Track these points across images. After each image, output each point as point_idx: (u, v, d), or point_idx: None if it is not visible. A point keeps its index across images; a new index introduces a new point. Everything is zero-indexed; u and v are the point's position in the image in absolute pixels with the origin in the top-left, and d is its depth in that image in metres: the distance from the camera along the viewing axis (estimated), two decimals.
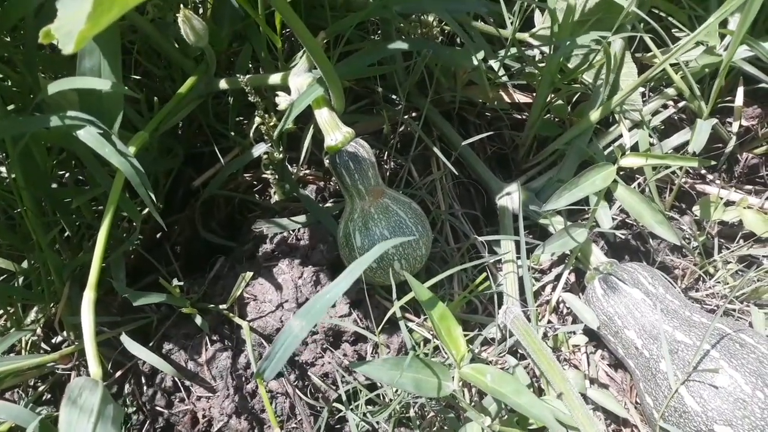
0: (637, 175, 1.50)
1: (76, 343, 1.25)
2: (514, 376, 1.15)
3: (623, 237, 1.46)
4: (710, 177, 1.55)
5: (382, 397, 1.16)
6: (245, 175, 1.50)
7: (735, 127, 1.45)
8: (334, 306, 1.27)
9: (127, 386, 1.27)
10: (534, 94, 1.55)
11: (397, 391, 1.12)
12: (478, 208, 1.54)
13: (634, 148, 1.42)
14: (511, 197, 1.43)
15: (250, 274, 1.28)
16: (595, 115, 1.39)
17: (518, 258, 1.30)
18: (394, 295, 1.06)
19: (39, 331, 1.34)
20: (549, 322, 1.35)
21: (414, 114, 1.58)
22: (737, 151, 1.53)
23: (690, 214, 1.49)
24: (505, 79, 1.51)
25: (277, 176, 1.34)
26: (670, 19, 1.43)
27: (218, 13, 1.33)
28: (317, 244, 1.33)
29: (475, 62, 1.28)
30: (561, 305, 1.38)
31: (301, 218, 1.36)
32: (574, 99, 1.58)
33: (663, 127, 1.52)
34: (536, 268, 1.43)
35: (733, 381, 1.03)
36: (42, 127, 1.00)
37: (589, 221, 1.24)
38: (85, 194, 1.22)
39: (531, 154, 1.58)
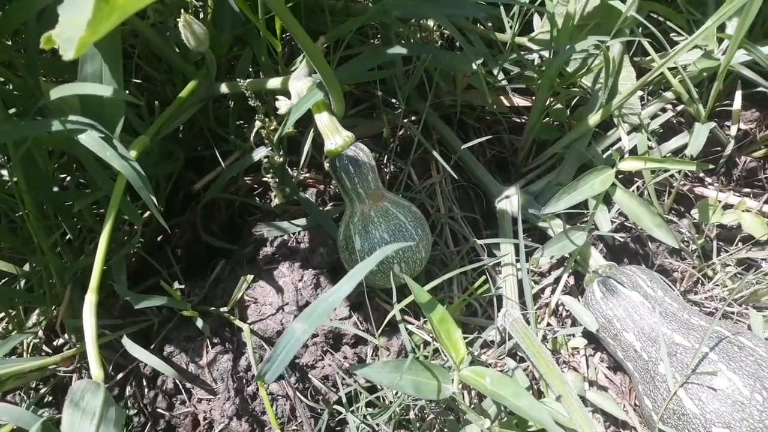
0: (635, 179, 1.51)
1: (78, 346, 1.26)
2: (514, 378, 1.15)
3: (622, 240, 1.47)
4: (709, 180, 1.55)
5: (382, 400, 1.17)
6: (246, 178, 1.51)
7: (733, 131, 1.46)
8: (334, 309, 1.27)
9: (128, 388, 1.27)
10: (533, 98, 1.56)
11: (397, 393, 1.13)
12: (478, 212, 1.55)
13: (633, 152, 1.43)
14: (510, 200, 1.44)
15: (250, 277, 1.29)
16: (594, 118, 1.39)
17: (517, 261, 1.31)
18: (395, 298, 1.07)
19: (40, 333, 1.34)
20: (548, 324, 1.36)
21: (413, 118, 1.58)
22: (735, 155, 1.54)
23: (689, 217, 1.50)
24: (504, 83, 1.51)
25: (277, 180, 1.35)
26: (668, 23, 1.44)
27: (219, 18, 1.34)
28: (317, 247, 1.34)
29: (475, 67, 1.28)
30: (560, 308, 1.39)
31: (302, 221, 1.37)
32: (572, 103, 1.59)
33: (661, 130, 1.52)
34: (535, 271, 1.44)
35: (731, 383, 1.03)
36: (44, 131, 1.01)
37: (588, 224, 1.24)
38: (86, 198, 1.22)
39: (530, 157, 1.59)
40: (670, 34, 1.45)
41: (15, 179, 1.12)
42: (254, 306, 1.28)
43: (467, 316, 1.36)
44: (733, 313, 1.35)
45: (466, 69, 1.41)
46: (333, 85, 1.10)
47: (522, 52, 1.48)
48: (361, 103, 1.59)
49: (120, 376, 1.28)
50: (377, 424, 1.14)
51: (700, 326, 1.13)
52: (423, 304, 0.98)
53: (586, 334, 1.29)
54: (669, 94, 1.47)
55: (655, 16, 1.48)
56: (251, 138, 1.34)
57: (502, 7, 1.38)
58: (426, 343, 1.26)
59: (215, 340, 1.26)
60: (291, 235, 1.36)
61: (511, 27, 1.40)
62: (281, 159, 1.31)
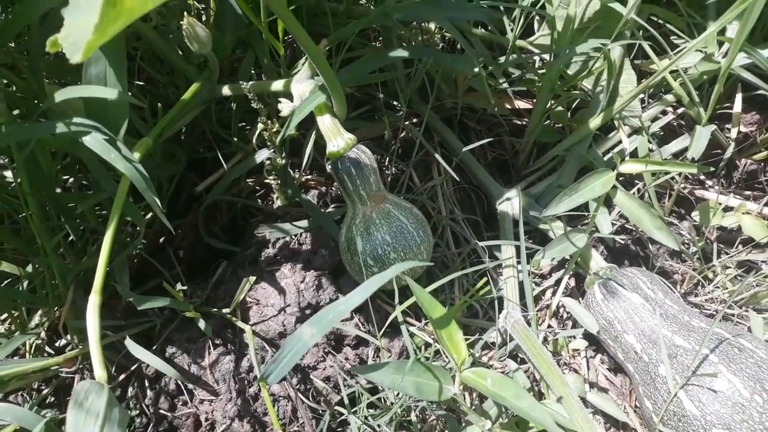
0: (636, 181, 1.52)
1: (80, 347, 1.26)
2: (515, 380, 1.16)
3: (623, 242, 1.47)
4: (709, 183, 1.56)
5: (383, 401, 1.17)
6: (248, 180, 1.52)
7: (734, 134, 1.47)
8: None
9: (130, 389, 1.28)
10: (534, 101, 1.57)
11: (398, 394, 1.13)
12: (479, 214, 1.55)
13: (634, 154, 1.44)
14: (511, 203, 1.44)
15: (253, 278, 1.29)
16: (595, 121, 1.40)
17: (518, 263, 1.31)
18: (396, 300, 1.07)
19: (43, 334, 1.35)
20: (549, 326, 1.36)
21: (415, 120, 1.59)
22: (736, 157, 1.54)
23: (689, 219, 1.50)
24: (505, 85, 1.52)
25: (279, 182, 1.35)
26: (668, 26, 1.45)
27: (221, 20, 1.35)
28: (319, 249, 1.35)
29: (477, 69, 1.29)
30: (561, 310, 1.39)
31: (303, 223, 1.37)
32: (573, 105, 1.59)
33: (662, 133, 1.53)
34: (536, 273, 1.44)
35: (731, 385, 1.03)
36: (48, 133, 1.01)
37: (589, 226, 1.25)
38: (89, 199, 1.23)
39: (531, 159, 1.59)
40: (671, 37, 1.46)
41: (18, 181, 1.13)
42: (256, 307, 1.28)
43: (468, 317, 1.36)
44: (733, 315, 1.35)
45: (468, 71, 1.41)
46: (335, 88, 1.11)
47: (523, 55, 1.48)
48: (363, 106, 1.60)
49: (122, 377, 1.29)
50: (378, 425, 1.14)
51: (701, 328, 1.14)
52: (425, 306, 0.99)
53: (587, 335, 1.29)
54: (669, 97, 1.47)
55: (656, 19, 1.49)
56: (253, 140, 1.35)
57: (503, 10, 1.39)
58: (427, 345, 1.27)
59: (217, 342, 1.27)
60: (293, 236, 1.37)
61: (512, 30, 1.41)
62: (283, 161, 1.32)
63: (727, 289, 1.37)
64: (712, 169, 1.16)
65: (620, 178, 1.17)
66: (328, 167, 1.22)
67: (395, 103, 1.56)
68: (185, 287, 1.20)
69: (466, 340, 1.02)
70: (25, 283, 1.31)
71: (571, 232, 1.26)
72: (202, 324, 1.23)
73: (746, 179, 1.55)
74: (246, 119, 1.51)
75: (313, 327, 0.86)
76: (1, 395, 1.28)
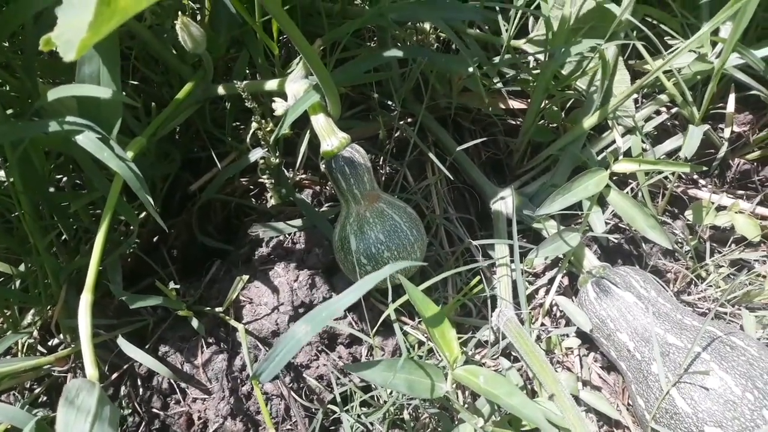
0: (629, 180, 1.52)
1: (73, 346, 1.26)
2: (507, 378, 1.16)
3: (616, 241, 1.48)
4: (702, 182, 1.56)
5: (376, 399, 1.17)
6: (242, 179, 1.51)
7: (727, 133, 1.47)
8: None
9: (123, 388, 1.27)
10: (528, 101, 1.57)
11: (391, 392, 1.13)
12: (473, 213, 1.56)
13: (627, 154, 1.44)
14: (505, 202, 1.45)
15: (246, 277, 1.30)
16: (589, 121, 1.40)
17: (512, 262, 1.32)
18: (390, 298, 1.07)
19: (35, 333, 1.34)
20: (542, 324, 1.36)
21: (409, 120, 1.59)
22: (729, 157, 1.55)
23: (682, 218, 1.51)
24: (499, 85, 1.52)
25: (273, 181, 1.36)
26: (662, 26, 1.45)
27: (215, 20, 1.35)
28: (313, 248, 1.35)
29: (471, 69, 1.29)
30: (554, 308, 1.39)
31: (297, 222, 1.37)
32: (567, 105, 1.59)
33: (655, 133, 1.53)
34: (530, 272, 1.44)
35: (723, 383, 1.04)
36: (41, 131, 1.01)
37: (582, 225, 1.25)
38: (82, 198, 1.23)
39: (525, 159, 1.59)
40: (665, 38, 1.46)
41: (11, 180, 1.12)
42: (249, 306, 1.28)
43: (462, 316, 1.36)
44: (725, 313, 1.35)
45: (462, 71, 1.41)
46: (329, 87, 1.11)
47: (517, 55, 1.49)
48: (357, 105, 1.60)
49: (115, 375, 1.28)
50: (371, 424, 1.15)
51: (693, 326, 1.14)
52: (417, 304, 0.99)
53: (580, 334, 1.30)
54: (663, 97, 1.48)
55: (650, 19, 1.49)
56: (247, 139, 1.35)
57: (498, 10, 1.39)
58: (420, 343, 1.27)
59: (210, 340, 1.27)
60: (287, 235, 1.37)
61: (506, 30, 1.41)
62: (277, 160, 1.32)
63: (719, 287, 1.38)
64: (705, 168, 1.16)
65: (614, 178, 1.17)
66: (322, 166, 1.23)
67: (390, 102, 1.56)
68: (178, 286, 1.20)
69: (460, 338, 1.02)
70: (18, 282, 1.31)
71: (565, 231, 1.26)
72: (195, 323, 1.23)
73: (739, 179, 1.55)
74: (240, 119, 1.51)
75: (307, 324, 0.86)
76: None
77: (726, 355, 1.07)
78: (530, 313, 1.31)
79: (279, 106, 1.23)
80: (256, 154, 1.34)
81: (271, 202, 1.43)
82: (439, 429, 1.14)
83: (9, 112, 1.18)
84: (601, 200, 1.21)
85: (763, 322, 1.28)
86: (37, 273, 1.25)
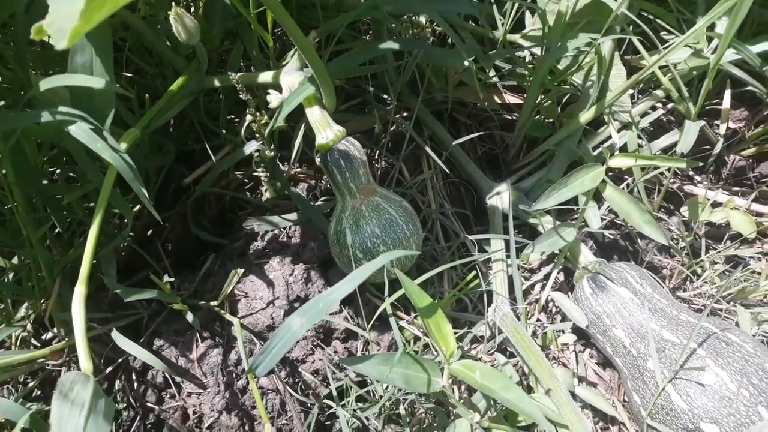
0: (625, 176, 1.52)
1: (66, 339, 1.25)
2: (503, 372, 1.16)
3: (612, 237, 1.48)
4: (698, 178, 1.56)
5: (372, 394, 1.17)
6: (236, 172, 1.51)
7: (722, 129, 1.47)
8: None
9: (117, 382, 1.27)
10: (524, 95, 1.57)
11: (387, 387, 1.13)
12: (469, 208, 1.55)
13: (623, 149, 1.44)
14: (500, 197, 1.44)
15: (241, 270, 1.29)
16: (585, 116, 1.40)
17: (508, 257, 1.31)
18: (386, 293, 1.07)
19: (29, 327, 1.33)
20: (538, 320, 1.36)
21: (405, 114, 1.59)
22: (724, 153, 1.55)
23: (678, 214, 1.51)
24: (495, 80, 1.52)
25: (268, 174, 1.35)
26: (658, 21, 1.45)
27: (210, 11, 1.34)
28: (308, 242, 1.34)
29: (466, 63, 1.28)
30: (550, 304, 1.39)
31: (292, 216, 1.36)
32: (563, 100, 1.59)
33: (651, 128, 1.53)
34: (525, 267, 1.44)
35: (719, 379, 1.04)
36: (34, 122, 1.00)
37: (578, 221, 1.25)
38: (76, 191, 1.22)
39: (521, 154, 1.59)
40: (661, 33, 1.46)
41: (4, 171, 1.11)
42: (244, 300, 1.27)
43: (457, 311, 1.36)
44: (721, 310, 1.36)
45: (458, 65, 1.41)
46: (324, 79, 1.10)
47: (513, 50, 1.48)
48: (353, 99, 1.59)
49: (109, 369, 1.28)
50: (367, 418, 1.14)
51: (689, 322, 1.14)
52: (413, 297, 0.98)
53: (576, 330, 1.30)
54: (659, 92, 1.48)
55: (645, 14, 1.49)
56: (242, 132, 1.34)
57: (494, 4, 1.39)
58: (416, 339, 1.26)
59: (205, 334, 1.26)
60: (282, 229, 1.36)
61: (502, 24, 1.40)
62: (272, 153, 1.31)
63: (715, 284, 1.38)
64: (701, 164, 1.16)
65: (609, 173, 1.17)
66: (318, 159, 1.22)
67: (385, 96, 1.55)
68: (173, 279, 1.20)
69: (455, 333, 1.01)
70: (11, 275, 1.30)
71: (561, 227, 1.26)
72: (189, 317, 1.23)
73: (735, 175, 1.56)
74: (234, 111, 1.50)
75: (303, 317, 0.86)
76: None
77: (722, 351, 1.07)
78: (526, 308, 1.31)
79: (274, 98, 1.22)
80: (251, 147, 1.33)
81: (266, 195, 1.42)
82: (435, 424, 1.14)
83: (1, 103, 1.17)
84: (596, 196, 1.21)
85: (759, 319, 1.29)
86: (30, 266, 1.24)
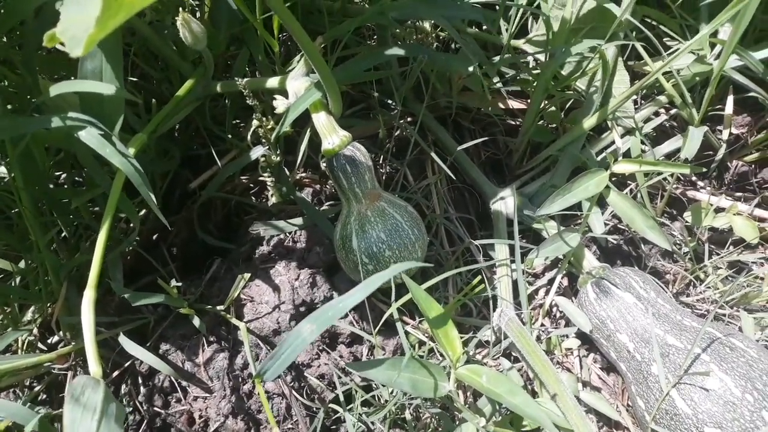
0: (628, 181, 1.53)
1: (73, 343, 1.25)
2: (509, 377, 1.16)
3: (615, 242, 1.48)
4: (701, 184, 1.57)
5: (377, 399, 1.17)
6: (242, 177, 1.51)
7: (725, 135, 1.48)
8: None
9: (123, 387, 1.27)
10: (528, 101, 1.57)
11: (392, 392, 1.13)
12: (473, 212, 1.56)
13: (626, 155, 1.45)
14: (505, 202, 1.45)
15: (247, 275, 1.29)
16: (589, 122, 1.40)
17: (512, 262, 1.32)
18: (393, 298, 1.07)
19: (35, 331, 1.34)
20: (542, 325, 1.37)
21: (409, 119, 1.59)
22: (727, 159, 1.55)
23: (681, 220, 1.51)
24: (499, 85, 1.53)
25: (274, 179, 1.35)
26: (661, 27, 1.46)
27: (216, 17, 1.34)
28: (313, 247, 1.35)
29: (471, 69, 1.29)
30: (554, 309, 1.40)
31: (298, 221, 1.37)
32: (567, 106, 1.60)
33: (654, 134, 1.54)
34: (529, 273, 1.45)
35: (723, 384, 1.04)
36: (43, 127, 1.01)
37: (582, 226, 1.25)
38: (83, 195, 1.22)
39: (524, 159, 1.60)
40: (664, 39, 1.47)
41: (12, 176, 1.12)
42: (250, 304, 1.28)
43: (462, 316, 1.37)
44: (724, 315, 1.36)
45: (463, 70, 1.41)
46: (331, 85, 1.11)
47: (517, 55, 1.49)
48: (358, 104, 1.60)
49: (116, 374, 1.28)
50: (372, 423, 1.15)
51: (693, 327, 1.15)
52: (421, 303, 0.99)
53: (580, 335, 1.30)
54: (662, 98, 1.48)
55: (649, 20, 1.50)
56: (248, 137, 1.34)
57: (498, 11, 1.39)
58: (421, 343, 1.27)
59: (211, 339, 1.26)
60: (287, 234, 1.37)
61: (506, 30, 1.41)
62: (278, 158, 1.32)
63: (718, 289, 1.39)
64: (704, 169, 1.17)
65: (613, 179, 1.18)
66: (323, 165, 1.22)
67: (390, 101, 1.56)
68: (180, 284, 1.20)
69: (460, 338, 1.02)
70: (18, 279, 1.30)
71: (565, 232, 1.27)
72: (196, 321, 1.23)
73: (737, 181, 1.56)
74: (240, 116, 1.51)
75: (312, 323, 0.86)
76: None
77: (726, 356, 1.08)
78: (530, 313, 1.32)
79: (280, 103, 1.23)
80: (257, 152, 1.33)
81: (272, 200, 1.42)
82: (440, 429, 1.15)
83: (8, 107, 1.18)
84: (600, 201, 1.21)
85: (762, 324, 1.29)
86: (37, 270, 1.24)
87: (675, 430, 1.07)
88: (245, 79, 1.24)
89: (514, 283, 1.30)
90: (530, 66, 1.54)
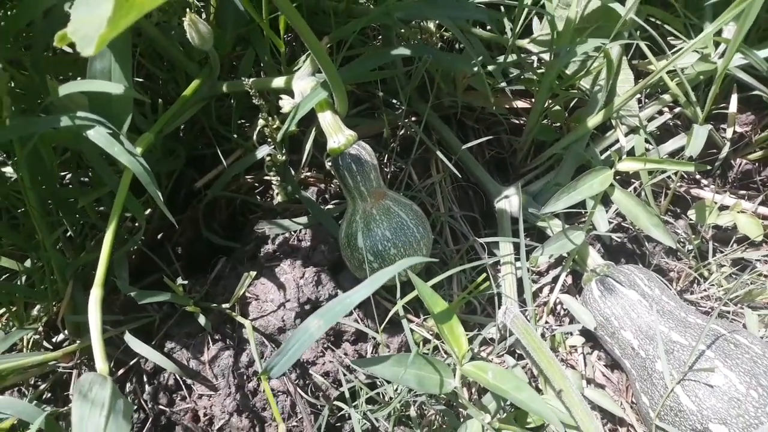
0: (632, 180, 1.53)
1: (78, 342, 1.26)
2: (515, 373, 1.16)
3: (620, 240, 1.48)
4: (705, 182, 1.57)
5: (382, 396, 1.18)
6: (247, 176, 1.52)
7: (729, 134, 1.48)
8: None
9: (128, 385, 1.28)
10: (532, 100, 1.58)
11: (397, 389, 1.14)
12: (477, 211, 1.56)
13: (630, 153, 1.45)
14: (509, 200, 1.45)
15: (252, 273, 1.30)
16: (594, 120, 1.41)
17: (517, 260, 1.32)
18: (398, 295, 1.08)
19: (41, 329, 1.34)
20: (546, 323, 1.37)
21: (414, 118, 1.60)
22: (731, 157, 1.56)
23: (685, 218, 1.52)
24: (503, 84, 1.53)
25: (279, 178, 1.36)
26: (665, 26, 1.46)
27: (222, 17, 1.35)
28: (318, 245, 1.35)
29: (475, 68, 1.30)
30: (558, 307, 1.40)
31: (303, 219, 1.38)
32: (571, 105, 1.60)
33: (658, 132, 1.54)
34: (534, 270, 1.45)
35: (727, 380, 1.04)
36: (52, 127, 1.01)
37: (587, 224, 1.26)
38: (90, 194, 1.23)
39: (529, 158, 1.60)
40: (668, 38, 1.47)
41: (20, 175, 1.13)
42: (255, 303, 1.29)
43: (467, 314, 1.37)
44: (728, 312, 1.36)
45: (467, 70, 1.42)
46: (337, 84, 1.12)
47: (522, 55, 1.49)
48: (363, 103, 1.61)
49: (121, 372, 1.29)
50: (377, 420, 1.15)
51: (697, 324, 1.15)
52: (427, 300, 0.99)
53: (584, 332, 1.30)
54: (666, 97, 1.49)
55: (653, 19, 1.50)
56: (254, 136, 1.35)
57: (502, 10, 1.40)
58: (426, 341, 1.27)
59: (216, 337, 1.27)
60: (292, 233, 1.37)
61: (511, 29, 1.41)
62: (284, 157, 1.32)
63: (722, 286, 1.39)
64: (708, 167, 1.17)
65: (617, 177, 1.18)
66: (329, 164, 1.23)
67: (394, 101, 1.56)
68: (186, 282, 1.21)
69: (465, 335, 1.02)
70: (24, 278, 1.31)
71: (569, 230, 1.27)
72: (201, 319, 1.24)
73: (741, 179, 1.56)
74: (245, 116, 1.52)
75: (320, 319, 0.87)
76: None
77: (730, 352, 1.08)
78: (534, 310, 1.32)
79: (286, 103, 1.23)
80: (262, 152, 1.34)
81: (277, 199, 1.43)
82: (445, 426, 1.15)
83: (17, 108, 1.18)
84: (604, 199, 1.22)
85: (766, 321, 1.29)
86: (43, 269, 1.25)
87: (679, 427, 1.07)
88: (252, 79, 1.25)
89: (519, 281, 1.31)
90: (534, 65, 1.55)
